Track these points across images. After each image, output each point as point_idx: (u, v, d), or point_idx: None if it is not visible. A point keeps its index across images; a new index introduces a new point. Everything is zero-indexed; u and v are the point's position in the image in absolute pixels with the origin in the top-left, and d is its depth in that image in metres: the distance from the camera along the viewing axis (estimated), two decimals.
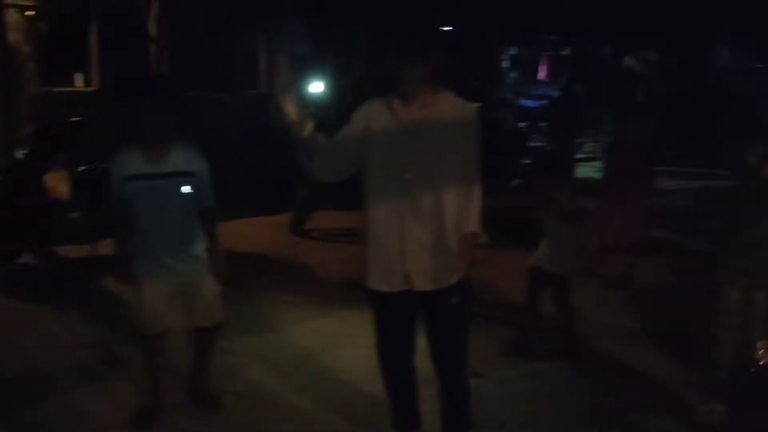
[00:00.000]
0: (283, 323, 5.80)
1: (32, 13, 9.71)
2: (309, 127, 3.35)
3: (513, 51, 16.67)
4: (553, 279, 5.35)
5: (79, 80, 10.77)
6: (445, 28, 14.03)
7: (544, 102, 15.64)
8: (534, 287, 5.44)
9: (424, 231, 3.38)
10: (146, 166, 3.94)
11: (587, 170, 13.73)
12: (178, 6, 10.49)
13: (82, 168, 7.70)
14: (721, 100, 16.23)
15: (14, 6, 9.58)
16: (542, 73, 16.85)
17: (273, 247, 8.16)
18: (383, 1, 11.89)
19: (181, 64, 10.50)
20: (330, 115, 7.05)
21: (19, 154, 7.96)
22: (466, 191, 3.41)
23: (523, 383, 4.79)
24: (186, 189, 3.99)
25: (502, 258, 7.18)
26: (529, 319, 5.48)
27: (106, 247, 5.91)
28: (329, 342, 5.37)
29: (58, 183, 7.62)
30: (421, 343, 3.62)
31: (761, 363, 2.99)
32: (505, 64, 16.77)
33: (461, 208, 3.41)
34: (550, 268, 5.30)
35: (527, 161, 12.19)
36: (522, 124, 14.43)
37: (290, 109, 3.27)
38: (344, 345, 5.21)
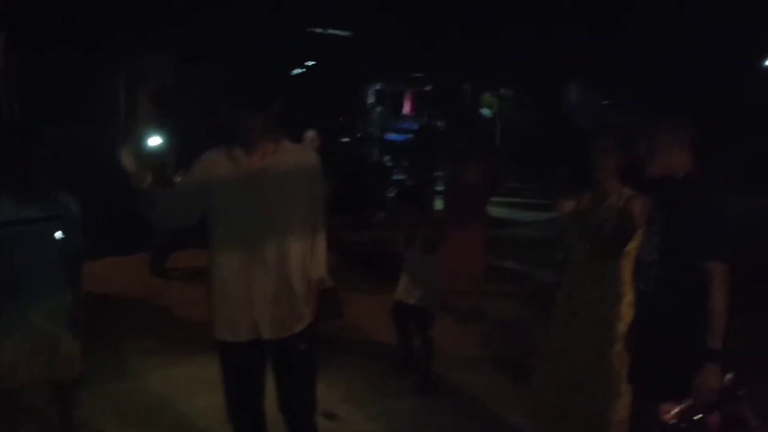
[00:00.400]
0: (140, 371, 5.65)
1: None
2: (148, 178, 3.30)
3: (378, 86, 17.06)
4: (414, 312, 5.54)
5: None
6: (309, 63, 14.22)
7: (408, 136, 16.06)
8: (398, 321, 5.64)
9: (269, 279, 3.37)
10: (17, 211, 3.78)
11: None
12: (31, 37, 10.11)
13: None
14: (571, 134, 17.28)
15: None
16: (407, 108, 17.31)
17: (131, 289, 7.97)
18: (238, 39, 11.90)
19: (37, 98, 10.10)
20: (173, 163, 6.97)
21: None
22: (310, 237, 3.47)
23: (373, 423, 4.88)
24: (59, 234, 3.87)
25: (368, 293, 7.33)
26: (400, 354, 5.69)
27: None
28: (186, 389, 5.27)
29: None
30: (271, 388, 3.63)
31: (667, 425, 3.13)
32: (370, 99, 17.14)
33: (306, 254, 3.46)
34: (412, 301, 5.49)
35: (392, 195, 12.49)
36: (387, 158, 14.78)
37: (128, 160, 3.23)
38: (202, 392, 5.12)
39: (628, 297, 3.68)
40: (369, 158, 14.07)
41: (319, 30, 14.09)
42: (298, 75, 14.12)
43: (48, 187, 3.89)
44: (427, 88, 16.76)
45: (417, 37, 14.10)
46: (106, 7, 10.59)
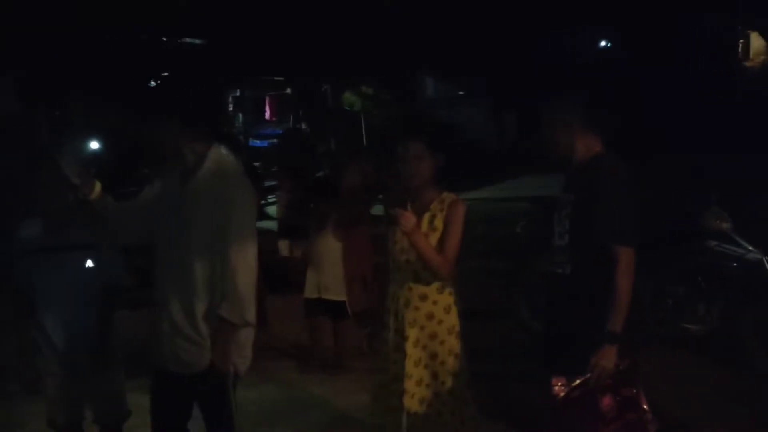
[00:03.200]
0: None
1: None
2: (97, 188, 3.08)
3: (236, 92, 16.77)
4: (330, 306, 5.53)
5: None
6: (164, 74, 13.76)
7: (273, 141, 15.87)
8: (314, 319, 5.65)
9: (175, 310, 3.13)
10: (41, 238, 3.59)
11: None
12: None
13: None
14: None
15: None
16: (268, 113, 17.11)
17: None
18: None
19: None
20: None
21: None
22: (219, 268, 3.06)
23: None
24: (89, 264, 3.61)
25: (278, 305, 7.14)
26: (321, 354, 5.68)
27: None
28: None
29: None
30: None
31: (558, 399, 3.15)
32: (230, 106, 16.82)
33: (211, 287, 3.09)
34: (330, 295, 5.48)
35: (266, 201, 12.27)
36: (257, 165, 14.50)
37: (69, 169, 3.03)
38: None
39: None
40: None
41: (173, 38, 13.69)
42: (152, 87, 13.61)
43: (73, 214, 3.57)
44: (287, 91, 16.63)
45: (273, 40, 13.97)
46: None
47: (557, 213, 3.40)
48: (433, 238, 3.43)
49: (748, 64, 20.03)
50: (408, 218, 3.30)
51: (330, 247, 5.53)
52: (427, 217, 3.46)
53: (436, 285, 3.48)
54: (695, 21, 17.12)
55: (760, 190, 6.07)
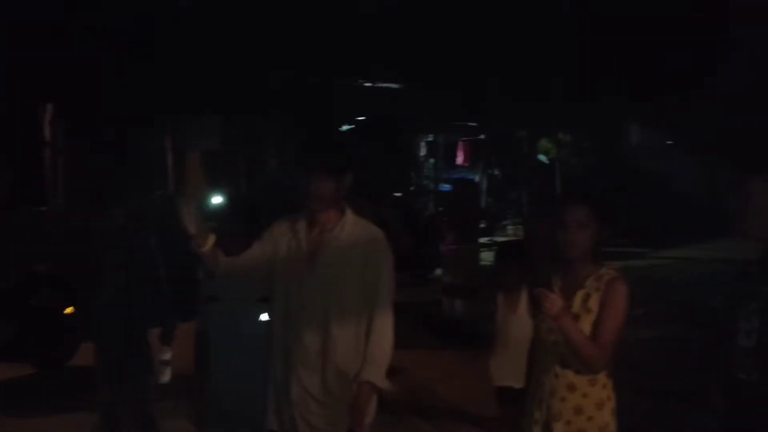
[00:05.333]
0: None
1: None
2: (210, 241, 2.97)
3: (430, 137, 16.77)
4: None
5: None
6: (359, 118, 13.99)
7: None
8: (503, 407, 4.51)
9: (310, 375, 2.96)
10: None
11: None
12: (74, 107, 10.04)
13: None
14: (635, 176, 16.62)
15: None
16: (460, 158, 16.92)
17: None
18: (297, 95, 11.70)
19: (81, 168, 9.96)
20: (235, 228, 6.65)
21: None
22: (366, 330, 2.99)
23: None
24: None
25: (438, 359, 6.87)
26: None
27: None
28: None
29: None
30: None
31: None
32: (422, 151, 16.84)
33: (357, 350, 2.98)
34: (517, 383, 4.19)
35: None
36: (441, 209, 14.31)
37: (188, 221, 2.91)
38: None
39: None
40: (423, 212, 13.64)
41: (368, 83, 13.88)
42: (348, 130, 13.89)
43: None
44: (481, 136, 16.37)
45: (466, 85, 13.78)
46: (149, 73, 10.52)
47: (744, 304, 2.80)
48: (587, 322, 2.88)
49: None
50: (554, 301, 2.77)
51: (524, 326, 4.20)
52: (580, 295, 2.93)
53: (588, 375, 2.91)
54: None
55: None
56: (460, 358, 6.97)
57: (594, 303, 2.89)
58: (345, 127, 13.77)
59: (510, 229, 15.42)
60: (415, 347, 6.97)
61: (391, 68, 13.28)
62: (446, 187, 15.87)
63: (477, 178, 16.22)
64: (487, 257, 13.05)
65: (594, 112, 16.03)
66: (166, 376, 4.18)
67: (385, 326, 3.00)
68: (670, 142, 18.10)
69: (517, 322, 4.40)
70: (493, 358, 4.48)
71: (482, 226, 11.82)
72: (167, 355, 4.18)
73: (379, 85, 14.07)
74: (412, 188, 14.75)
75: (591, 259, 2.96)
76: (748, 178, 2.75)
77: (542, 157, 16.61)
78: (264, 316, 3.52)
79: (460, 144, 16.70)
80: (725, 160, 16.42)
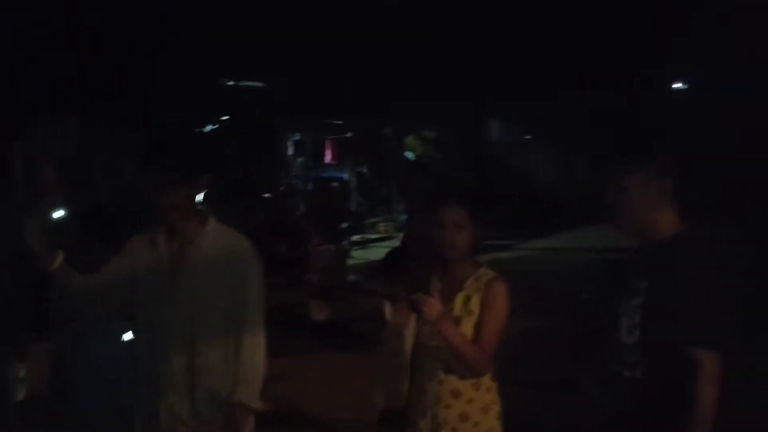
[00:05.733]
0: None
1: None
2: (58, 259, 2.74)
3: (297, 136, 16.57)
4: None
5: None
6: (223, 118, 13.60)
7: (334, 184, 15.61)
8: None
9: (179, 398, 2.79)
10: None
11: (382, 251, 13.70)
12: None
13: None
14: (497, 170, 17.10)
15: None
16: (329, 157, 16.81)
17: None
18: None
19: None
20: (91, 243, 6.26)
21: None
22: (235, 347, 2.82)
23: None
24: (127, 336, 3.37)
25: (312, 364, 6.69)
26: None
27: None
28: None
29: None
30: None
31: None
32: (290, 150, 16.61)
33: (227, 369, 2.81)
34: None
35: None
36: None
37: (32, 236, 2.69)
38: None
39: None
40: (294, 212, 13.44)
41: (231, 82, 13.52)
42: (211, 131, 13.46)
43: None
44: (348, 134, 16.35)
45: (333, 83, 13.69)
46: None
47: (624, 301, 2.76)
48: (468, 324, 2.84)
49: None
50: (433, 305, 2.70)
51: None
52: (460, 297, 2.89)
53: (472, 380, 2.87)
54: None
55: None
56: (335, 362, 6.87)
57: (475, 305, 2.86)
58: (208, 128, 13.35)
59: (381, 226, 15.47)
60: (289, 353, 6.78)
61: (255, 66, 12.99)
62: (316, 186, 15.78)
63: (346, 176, 16.18)
64: (360, 255, 13.07)
65: (456, 109, 16.36)
66: (20, 394, 3.90)
67: (256, 342, 2.85)
68: (528, 137, 18.73)
69: (410, 337, 3.67)
70: (380, 378, 3.84)
71: (345, 225, 11.74)
72: (21, 372, 3.91)
73: (243, 83, 13.75)
74: (282, 188, 14.52)
75: (470, 260, 2.93)
76: (622, 172, 2.72)
77: (409, 154, 16.79)
78: (127, 336, 3.32)
79: (328, 142, 16.61)
80: (582, 152, 17.20)
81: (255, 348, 2.85)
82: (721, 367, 2.52)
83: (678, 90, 18.04)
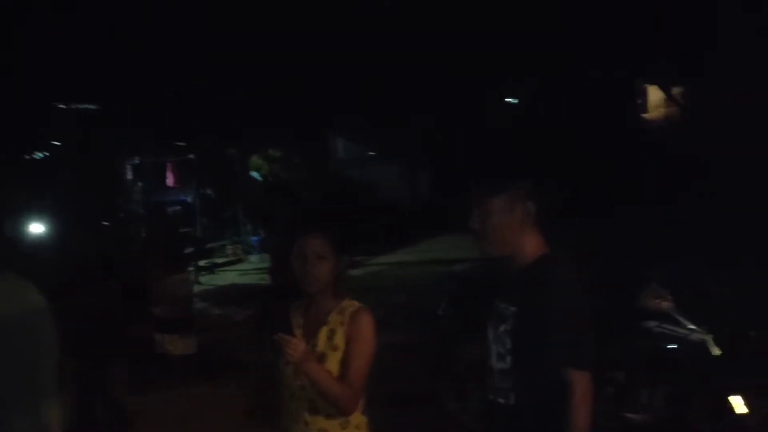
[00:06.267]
0: None
1: None
2: None
3: (136, 160, 15.90)
4: None
5: None
6: (54, 143, 12.84)
7: (175, 208, 15.06)
8: None
9: None
10: None
11: (232, 275, 13.36)
12: None
13: None
14: (344, 188, 17.19)
15: None
16: (170, 180, 16.24)
17: None
18: None
19: None
20: None
21: None
22: (30, 421, 2.53)
23: None
24: None
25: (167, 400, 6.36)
26: None
27: None
28: None
29: None
30: None
31: None
32: (129, 174, 15.91)
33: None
34: None
35: None
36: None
37: None
38: None
39: None
40: (135, 239, 12.84)
41: (62, 105, 12.79)
42: (41, 159, 12.66)
43: None
44: (190, 156, 15.86)
45: (172, 104, 13.29)
46: None
47: (492, 327, 2.76)
48: (333, 361, 2.74)
49: (647, 116, 20.33)
50: (295, 346, 2.61)
51: None
52: (324, 332, 2.79)
53: (339, 418, 2.78)
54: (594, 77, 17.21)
55: (702, 264, 5.70)
56: (193, 396, 6.60)
57: (340, 339, 2.77)
58: (38, 155, 12.55)
59: (229, 249, 15.11)
60: (144, 389, 6.46)
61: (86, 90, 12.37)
62: (158, 210, 15.14)
63: (190, 199, 15.68)
64: (208, 280, 12.67)
65: (300, 128, 16.32)
66: None
67: (54, 413, 2.58)
68: (372, 153, 18.96)
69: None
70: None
71: (190, 251, 11.34)
72: None
73: (75, 106, 13.04)
74: (121, 215, 13.85)
75: (333, 293, 2.84)
76: (485, 197, 2.72)
77: (255, 174, 16.53)
78: None
79: (169, 165, 16.05)
80: (425, 168, 17.64)
81: (50, 421, 2.60)
82: (592, 386, 2.57)
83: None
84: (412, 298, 9.77)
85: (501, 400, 2.73)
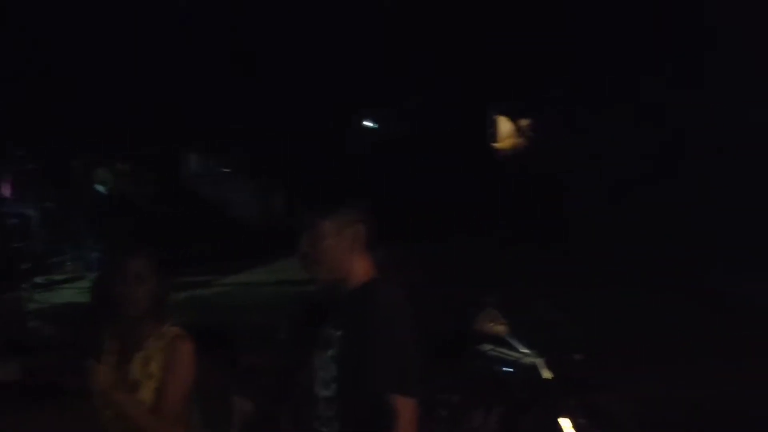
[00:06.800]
0: None
1: None
2: None
3: None
4: None
5: None
6: None
7: (13, 221, 14.16)
8: None
9: None
10: None
11: (70, 292, 12.68)
12: None
13: None
14: (195, 204, 16.80)
15: None
16: (7, 191, 15.23)
17: None
18: None
19: None
20: None
21: None
22: None
23: None
24: None
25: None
26: None
27: None
28: None
29: None
30: None
31: None
32: None
33: None
34: None
35: None
36: None
37: None
38: None
39: None
40: None
41: None
42: None
43: None
44: (31, 166, 14.96)
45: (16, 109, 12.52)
46: None
47: (318, 352, 2.71)
48: (148, 389, 2.63)
49: (498, 146, 21.16)
50: (103, 374, 2.49)
51: None
52: (139, 358, 2.68)
53: None
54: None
55: (535, 290, 5.96)
56: (25, 423, 6.19)
57: (156, 366, 2.66)
58: None
59: (68, 265, 14.33)
60: None
61: None
62: None
63: (29, 212, 14.75)
64: (45, 298, 11.94)
65: (150, 142, 15.84)
66: None
67: None
68: (226, 170, 18.66)
69: None
70: None
71: (26, 266, 10.69)
72: None
73: None
74: None
75: (152, 317, 2.72)
76: (317, 218, 2.67)
77: (100, 187, 15.81)
78: None
79: (6, 174, 15.06)
80: (278, 185, 17.51)
81: None
82: (417, 413, 2.54)
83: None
84: (261, 318, 9.62)
85: (324, 429, 2.67)
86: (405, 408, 2.52)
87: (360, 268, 2.70)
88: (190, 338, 2.73)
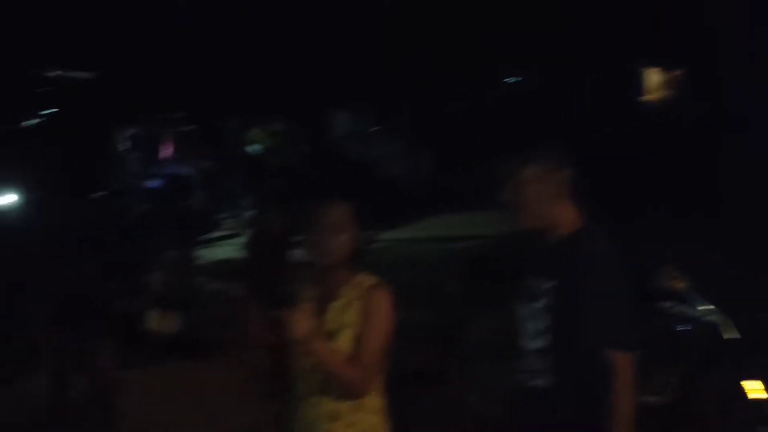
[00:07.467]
0: None
1: None
2: None
3: (133, 130, 15.60)
4: None
5: None
6: (44, 111, 12.52)
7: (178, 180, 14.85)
8: None
9: None
10: None
11: (228, 249, 13.17)
12: None
13: None
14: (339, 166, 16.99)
15: None
16: (167, 152, 15.96)
17: None
18: None
19: None
20: None
21: None
22: None
23: None
24: None
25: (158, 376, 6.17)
26: None
27: None
28: None
29: None
30: None
31: None
32: (124, 145, 15.62)
33: None
34: None
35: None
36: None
37: None
38: None
39: None
40: (130, 212, 12.61)
41: (56, 72, 12.50)
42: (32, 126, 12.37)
43: None
44: (189, 127, 15.59)
45: (172, 73, 13.01)
46: None
47: (524, 304, 2.59)
48: (345, 339, 2.52)
49: (644, 99, 20.02)
50: (299, 322, 2.39)
51: None
52: (335, 308, 2.57)
53: (351, 401, 2.55)
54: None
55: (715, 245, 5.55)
56: (179, 374, 6.45)
57: (352, 315, 2.55)
58: (28, 123, 12.26)
59: (226, 222, 14.91)
60: (130, 366, 6.24)
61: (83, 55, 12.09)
62: (154, 183, 14.91)
63: (188, 172, 15.43)
64: (206, 254, 12.46)
65: (301, 101, 16.08)
66: None
67: None
68: (376, 128, 18.71)
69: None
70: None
71: (188, 224, 11.10)
72: None
73: (69, 74, 12.75)
74: (116, 186, 13.60)
75: (348, 266, 2.61)
76: (517, 168, 2.56)
77: (255, 147, 16.28)
78: None
79: (167, 136, 15.76)
80: (429, 144, 17.38)
81: None
82: (635, 369, 2.43)
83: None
84: (417, 275, 9.58)
85: (536, 382, 2.57)
86: (623, 363, 2.41)
87: (567, 216, 2.57)
88: (387, 286, 2.62)
